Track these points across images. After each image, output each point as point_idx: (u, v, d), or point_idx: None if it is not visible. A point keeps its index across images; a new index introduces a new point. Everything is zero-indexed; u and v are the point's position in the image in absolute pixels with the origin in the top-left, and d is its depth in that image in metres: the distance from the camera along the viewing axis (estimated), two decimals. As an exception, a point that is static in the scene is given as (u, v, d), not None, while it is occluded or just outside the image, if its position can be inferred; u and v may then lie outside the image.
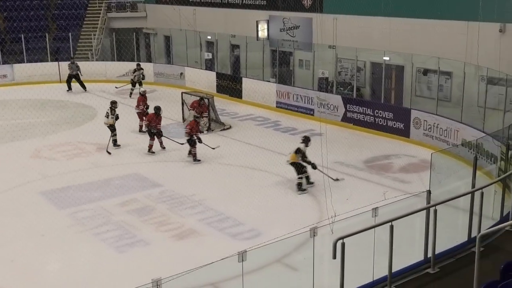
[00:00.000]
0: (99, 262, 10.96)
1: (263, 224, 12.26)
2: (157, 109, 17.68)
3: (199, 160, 16.59)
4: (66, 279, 10.44)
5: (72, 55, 29.40)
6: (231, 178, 15.37)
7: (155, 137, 17.62)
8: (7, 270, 10.67)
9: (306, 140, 14.41)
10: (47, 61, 29.15)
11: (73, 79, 26.66)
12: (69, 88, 26.66)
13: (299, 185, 14.18)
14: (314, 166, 14.05)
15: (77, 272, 10.62)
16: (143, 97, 19.82)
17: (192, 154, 16.68)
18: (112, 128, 17.98)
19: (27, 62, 28.87)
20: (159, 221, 12.69)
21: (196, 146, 16.63)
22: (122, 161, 16.81)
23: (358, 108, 19.74)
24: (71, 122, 21.19)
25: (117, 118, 18.04)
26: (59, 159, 16.96)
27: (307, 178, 14.33)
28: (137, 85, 25.04)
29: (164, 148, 17.79)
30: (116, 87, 26.39)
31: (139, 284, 6.94)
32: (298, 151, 14.19)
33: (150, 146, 17.54)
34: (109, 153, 17.51)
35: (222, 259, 7.56)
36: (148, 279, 6.93)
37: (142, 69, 25.98)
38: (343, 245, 7.36)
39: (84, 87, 26.57)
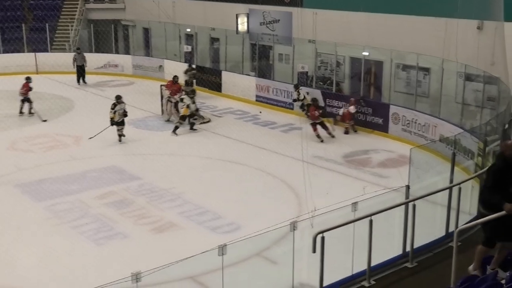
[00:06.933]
0: (77, 255, 10.85)
1: (242, 218, 12.25)
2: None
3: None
4: (44, 272, 10.32)
5: (49, 46, 29.03)
6: (210, 171, 15.33)
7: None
8: (-17, 263, 10.53)
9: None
10: (23, 51, 28.77)
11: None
12: (79, 80, 26.23)
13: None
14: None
15: (55, 265, 10.50)
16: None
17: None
18: (112, 122, 17.59)
19: (3, 53, 28.45)
20: (138, 214, 12.62)
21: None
22: (100, 154, 16.65)
23: (338, 103, 19.78)
24: (48, 114, 20.86)
25: (125, 115, 17.68)
26: (36, 151, 16.74)
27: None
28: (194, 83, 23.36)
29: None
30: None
31: (118, 277, 6.90)
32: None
33: None
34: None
35: (202, 252, 7.56)
36: (128, 272, 6.90)
37: (195, 69, 24.43)
38: (322, 239, 7.41)
39: (84, 80, 26.35)
